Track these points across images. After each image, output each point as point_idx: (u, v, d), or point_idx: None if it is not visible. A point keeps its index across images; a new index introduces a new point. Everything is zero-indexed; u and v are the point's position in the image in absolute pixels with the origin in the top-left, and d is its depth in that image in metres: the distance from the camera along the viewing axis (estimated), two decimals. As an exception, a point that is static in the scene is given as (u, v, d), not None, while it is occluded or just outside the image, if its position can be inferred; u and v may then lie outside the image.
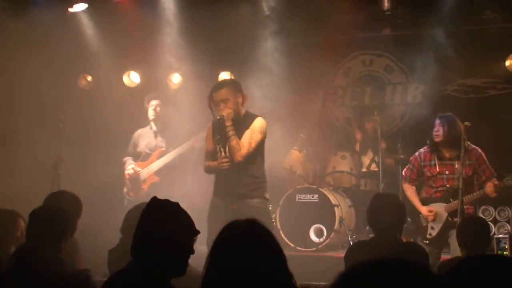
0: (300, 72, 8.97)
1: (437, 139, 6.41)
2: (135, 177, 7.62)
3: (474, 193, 6.24)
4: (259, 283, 2.47)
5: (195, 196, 6.62)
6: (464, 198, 6.11)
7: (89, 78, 9.37)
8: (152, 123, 7.77)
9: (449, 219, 6.29)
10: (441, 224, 6.34)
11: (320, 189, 8.31)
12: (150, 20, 8.63)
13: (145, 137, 7.75)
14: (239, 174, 6.06)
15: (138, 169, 7.64)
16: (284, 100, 8.40)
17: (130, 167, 7.67)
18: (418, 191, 6.66)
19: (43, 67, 8.16)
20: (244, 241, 2.60)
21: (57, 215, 3.98)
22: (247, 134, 6.10)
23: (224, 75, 9.13)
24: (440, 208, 6.39)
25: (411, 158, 6.73)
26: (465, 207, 6.16)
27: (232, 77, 9.04)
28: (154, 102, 7.73)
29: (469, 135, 6.20)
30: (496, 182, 6.18)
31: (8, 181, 7.66)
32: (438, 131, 6.40)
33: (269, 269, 2.53)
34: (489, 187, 6.19)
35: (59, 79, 8.43)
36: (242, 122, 6.13)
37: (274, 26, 8.68)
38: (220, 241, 2.65)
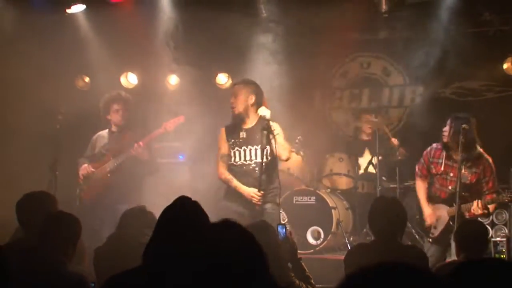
0: (298, 74, 8.96)
1: (444, 139, 6.33)
2: (88, 177, 7.38)
3: (468, 204, 6.11)
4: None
5: (152, 196, 6.60)
6: (461, 205, 6.07)
7: (87, 79, 9.36)
8: (112, 125, 7.48)
9: (450, 223, 6.19)
10: (442, 227, 6.29)
11: (317, 191, 8.31)
12: (148, 21, 8.62)
13: (104, 138, 7.53)
14: (269, 176, 6.13)
15: (92, 169, 7.39)
16: (282, 102, 8.39)
17: (83, 166, 7.42)
18: (430, 187, 6.55)
19: (40, 67, 8.14)
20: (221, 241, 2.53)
21: (67, 221, 4.12)
22: (280, 135, 6.16)
23: (222, 77, 9.14)
24: (443, 210, 6.32)
25: (424, 153, 6.58)
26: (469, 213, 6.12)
27: (230, 79, 9.05)
28: (116, 107, 7.40)
29: (466, 137, 6.18)
30: (481, 201, 6.05)
31: (5, 182, 7.65)
32: (445, 131, 6.31)
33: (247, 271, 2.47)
34: (475, 205, 6.05)
35: (56, 80, 8.41)
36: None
37: (272, 28, 8.68)
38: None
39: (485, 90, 9.11)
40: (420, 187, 6.54)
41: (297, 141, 8.75)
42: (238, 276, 2.37)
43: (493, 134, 7.82)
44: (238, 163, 6.23)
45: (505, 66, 8.65)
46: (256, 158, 6.17)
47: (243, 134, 6.22)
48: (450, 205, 6.24)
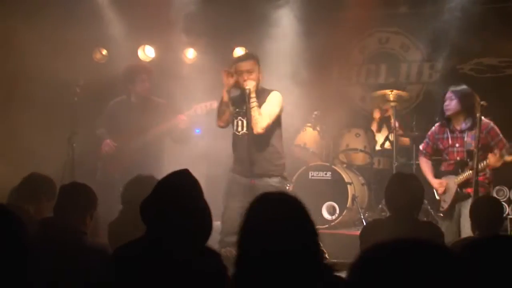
0: (315, 48, 8.91)
1: (448, 113, 6.34)
2: (112, 151, 7.27)
3: (479, 164, 6.06)
4: (290, 263, 2.41)
5: (172, 167, 6.56)
6: (470, 171, 6.11)
7: (104, 51, 9.35)
8: (133, 95, 7.38)
9: (459, 190, 6.25)
10: (451, 197, 6.31)
11: (333, 166, 8.31)
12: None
13: (122, 107, 7.39)
14: (260, 148, 6.07)
15: (114, 144, 7.28)
16: (298, 77, 8.36)
17: (105, 143, 7.32)
18: (438, 166, 6.60)
19: (58, 40, 8.16)
20: (277, 218, 2.52)
21: (84, 191, 4.14)
22: (265, 107, 6.10)
23: (239, 51, 9.09)
24: (451, 181, 6.35)
25: (429, 132, 6.66)
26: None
27: (247, 52, 9.01)
28: (144, 76, 7.33)
29: (486, 114, 6.17)
30: (498, 152, 6.08)
31: (23, 155, 7.72)
32: (449, 105, 6.32)
33: (301, 249, 2.46)
34: (491, 157, 6.08)
35: (74, 53, 8.43)
36: (259, 97, 6.14)
37: (289, 2, 8.62)
38: (251, 217, 2.57)
39: (504, 67, 9.02)
40: (424, 163, 6.60)
41: (314, 116, 8.74)
42: (291, 252, 2.38)
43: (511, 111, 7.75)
44: (241, 132, 6.23)
45: (525, 42, 8.55)
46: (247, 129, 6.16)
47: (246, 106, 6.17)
48: (456, 174, 6.29)
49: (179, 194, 2.97)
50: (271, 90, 6.27)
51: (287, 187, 6.42)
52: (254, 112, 6.01)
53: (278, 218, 2.50)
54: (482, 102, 6.11)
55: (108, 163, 7.34)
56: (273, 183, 6.07)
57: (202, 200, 3.03)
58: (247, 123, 6.09)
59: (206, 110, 7.12)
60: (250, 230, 2.50)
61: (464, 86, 6.41)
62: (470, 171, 6.12)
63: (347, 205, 8.06)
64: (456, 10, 8.35)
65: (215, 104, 6.84)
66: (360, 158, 8.73)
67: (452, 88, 6.39)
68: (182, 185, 3.01)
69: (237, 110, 6.24)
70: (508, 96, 8.17)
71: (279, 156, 6.25)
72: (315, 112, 8.73)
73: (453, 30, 8.44)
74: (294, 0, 8.58)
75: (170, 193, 2.99)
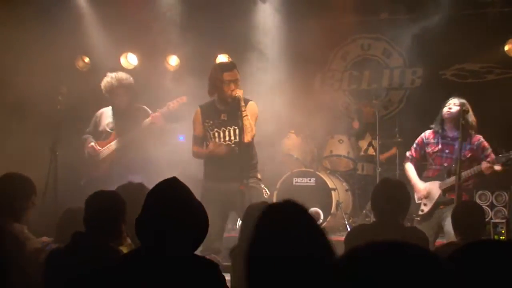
0: (297, 55, 8.95)
1: (447, 116, 6.40)
2: (95, 155, 7.51)
3: (469, 170, 6.25)
4: (306, 268, 2.40)
5: (154, 174, 6.55)
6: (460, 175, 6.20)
7: (87, 59, 9.33)
8: (115, 106, 7.61)
9: (442, 195, 6.35)
10: (433, 201, 6.41)
11: (317, 172, 8.33)
12: (148, 1, 8.58)
13: (107, 116, 7.64)
14: (238, 157, 6.17)
15: (99, 147, 7.52)
16: (282, 83, 8.38)
17: (90, 145, 7.54)
18: (423, 171, 6.66)
19: (40, 48, 8.12)
20: (289, 226, 2.51)
21: (111, 202, 3.82)
22: (248, 117, 6.22)
23: (222, 58, 9.10)
24: (434, 185, 6.45)
25: (418, 138, 6.71)
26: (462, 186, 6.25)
27: (230, 60, 9.03)
28: (118, 91, 7.49)
29: (466, 119, 6.25)
30: (490, 161, 6.20)
31: (5, 163, 7.64)
32: (452, 109, 6.38)
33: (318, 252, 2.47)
34: (484, 164, 6.19)
35: (56, 60, 8.38)
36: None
37: (272, 8, 8.65)
38: (264, 225, 2.52)
39: (485, 72, 9.10)
40: (410, 168, 6.66)
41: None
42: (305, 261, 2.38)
43: (493, 117, 7.82)
44: (219, 142, 6.32)
45: (506, 48, 8.62)
46: (235, 138, 6.26)
47: (224, 116, 6.28)
48: (442, 180, 6.39)
49: (174, 202, 2.90)
50: (248, 100, 6.38)
51: (262, 187, 6.65)
52: (246, 121, 6.15)
53: (291, 226, 2.49)
54: (464, 108, 6.24)
55: (93, 165, 7.51)
56: (250, 184, 6.21)
57: (196, 201, 3.01)
58: (239, 132, 6.17)
59: (178, 104, 7.40)
60: (263, 240, 2.48)
61: (465, 100, 6.46)
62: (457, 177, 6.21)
63: (331, 211, 8.08)
64: (437, 16, 8.42)
65: (185, 99, 7.36)
66: (343, 164, 8.76)
67: (456, 96, 6.46)
68: (176, 192, 2.96)
69: (211, 122, 6.33)
70: (489, 101, 8.23)
71: (255, 160, 6.44)
72: (299, 119, 8.76)
73: (434, 36, 8.51)
74: (278, 8, 8.60)
75: (165, 203, 2.90)
